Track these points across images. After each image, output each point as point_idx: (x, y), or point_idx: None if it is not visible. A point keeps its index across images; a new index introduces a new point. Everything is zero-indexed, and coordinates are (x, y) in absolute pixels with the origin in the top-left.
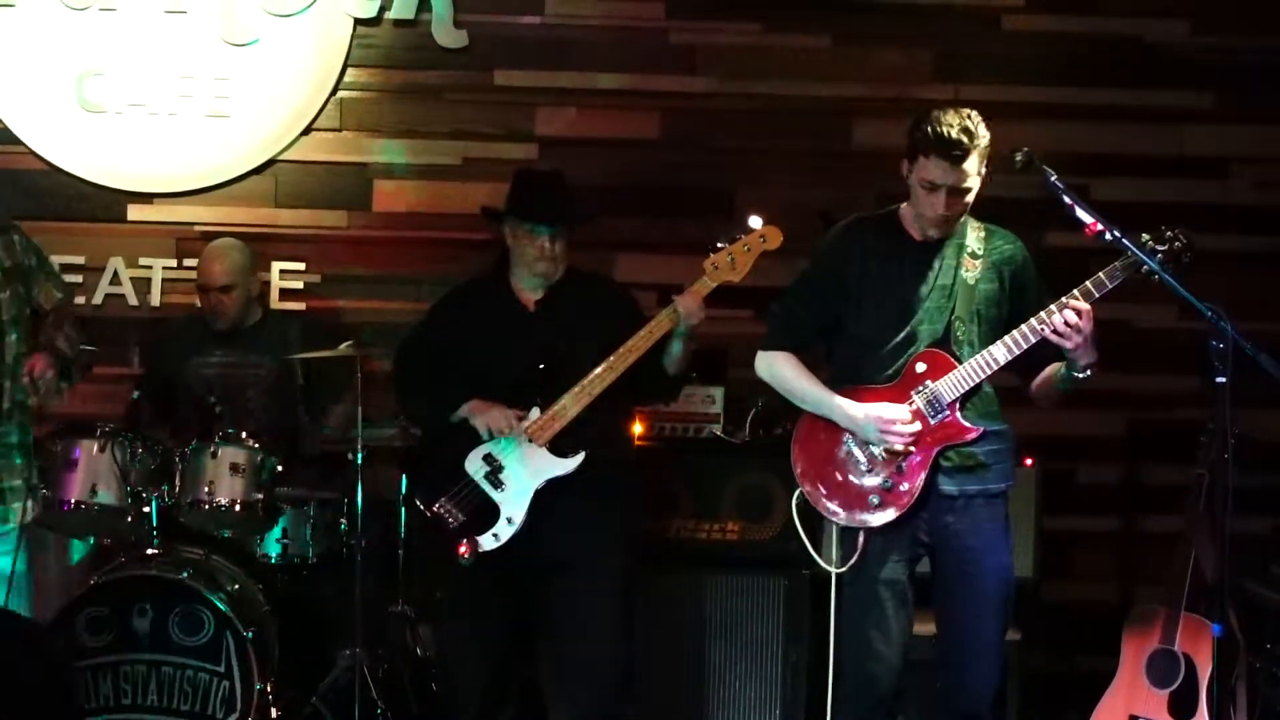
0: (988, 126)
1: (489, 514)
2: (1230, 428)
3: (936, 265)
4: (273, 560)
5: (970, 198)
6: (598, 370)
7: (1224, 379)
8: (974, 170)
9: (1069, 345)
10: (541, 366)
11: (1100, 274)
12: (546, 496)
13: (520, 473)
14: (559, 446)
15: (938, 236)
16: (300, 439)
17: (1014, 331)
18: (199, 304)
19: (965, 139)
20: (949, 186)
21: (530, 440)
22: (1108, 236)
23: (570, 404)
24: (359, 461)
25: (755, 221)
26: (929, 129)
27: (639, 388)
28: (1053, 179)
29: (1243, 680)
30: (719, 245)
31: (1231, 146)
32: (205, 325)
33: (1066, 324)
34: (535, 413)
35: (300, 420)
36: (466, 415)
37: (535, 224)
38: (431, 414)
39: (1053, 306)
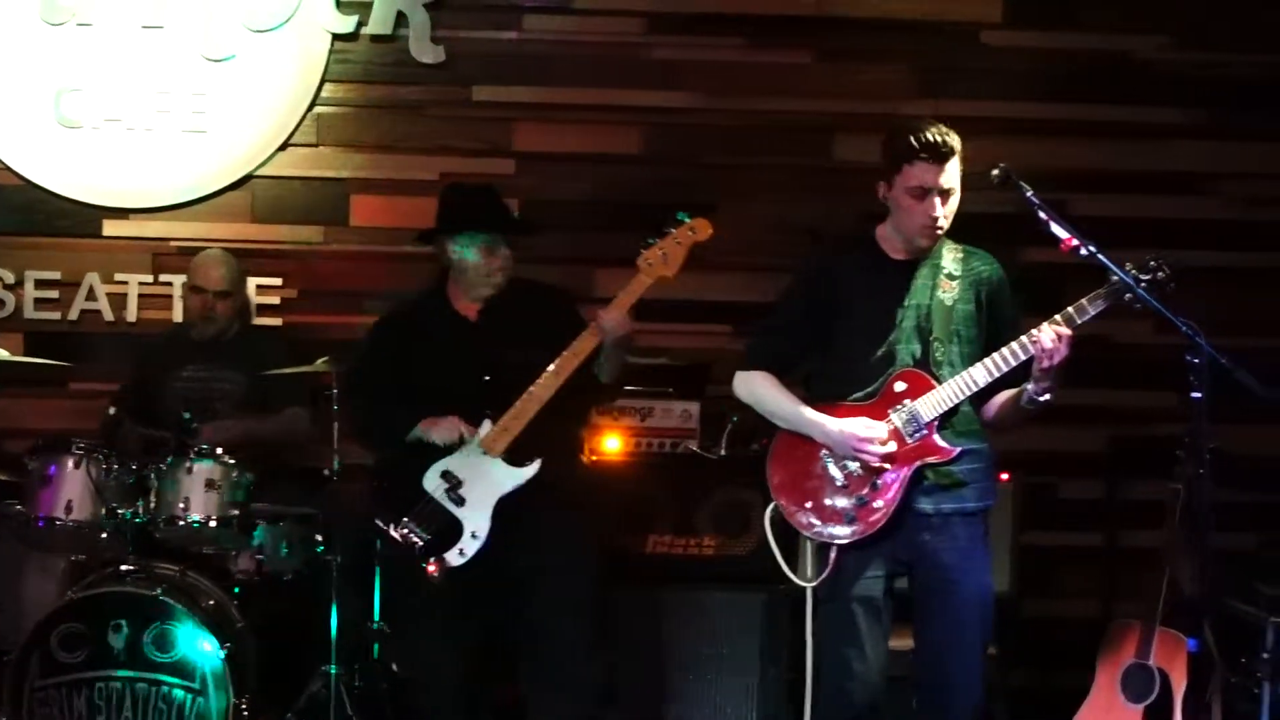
0: (967, 142)
1: (453, 530)
2: (1206, 443)
3: (913, 286)
4: (249, 576)
5: (954, 205)
6: (541, 380)
7: (1199, 394)
8: (956, 176)
9: (1043, 364)
10: (487, 378)
11: (1083, 300)
12: (509, 508)
13: (479, 486)
14: (514, 456)
15: (927, 245)
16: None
17: (994, 354)
18: (189, 310)
19: (948, 139)
20: (939, 189)
21: (485, 452)
22: (1083, 252)
23: (521, 413)
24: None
25: (683, 216)
26: (909, 138)
27: (582, 395)
28: (1030, 195)
29: (1218, 696)
30: (649, 241)
31: (1212, 162)
32: (185, 338)
33: (1044, 344)
34: (486, 425)
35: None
36: (421, 435)
37: (475, 233)
38: (387, 436)
39: (1040, 328)
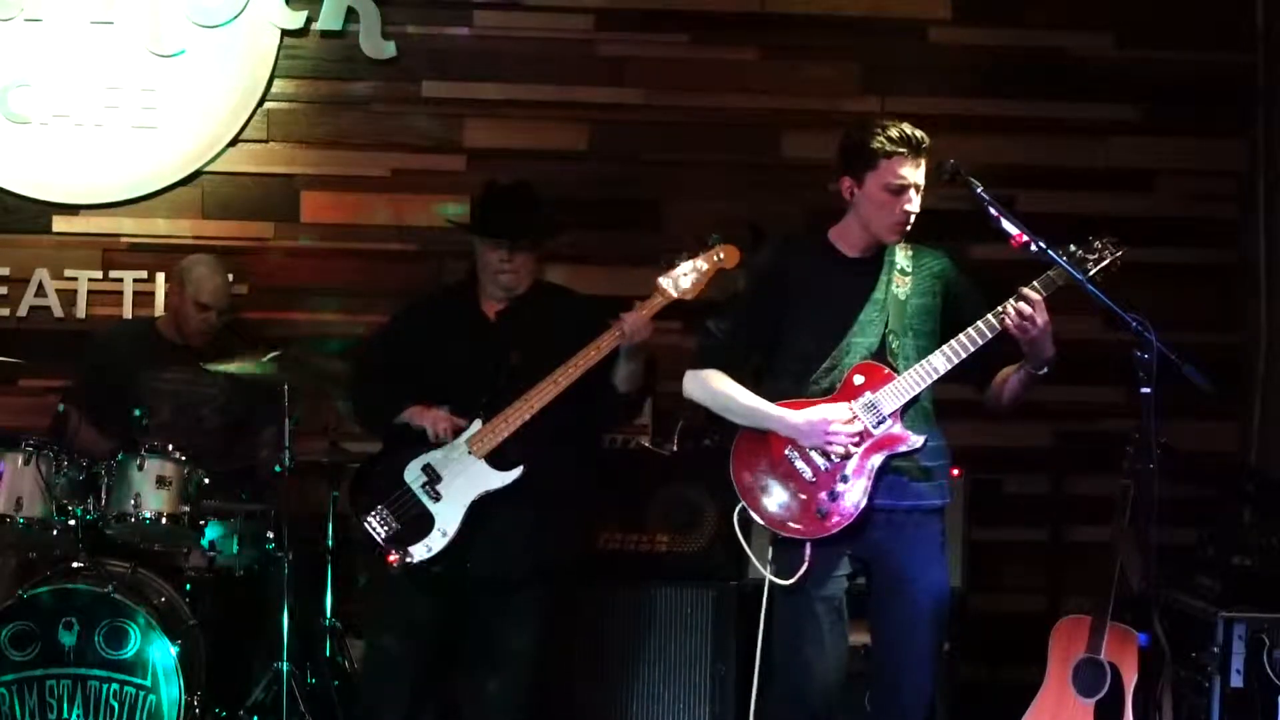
0: None
1: (424, 524)
2: (1155, 438)
3: (868, 281)
4: (200, 573)
5: (918, 208)
6: (542, 384)
7: (1148, 389)
8: (924, 175)
9: (1027, 336)
10: (496, 366)
11: (1035, 281)
12: (483, 511)
13: (457, 484)
14: (498, 460)
15: (893, 241)
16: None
17: (952, 341)
18: (186, 320)
19: (922, 135)
20: (916, 185)
21: (470, 452)
22: (1033, 248)
23: (512, 417)
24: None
25: (713, 240)
26: (885, 135)
27: (594, 407)
28: (979, 190)
29: (1168, 689)
30: (675, 261)
31: (1156, 158)
32: (159, 340)
33: (1021, 316)
34: (476, 424)
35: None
36: (408, 419)
37: (493, 239)
38: (377, 415)
39: (1005, 305)
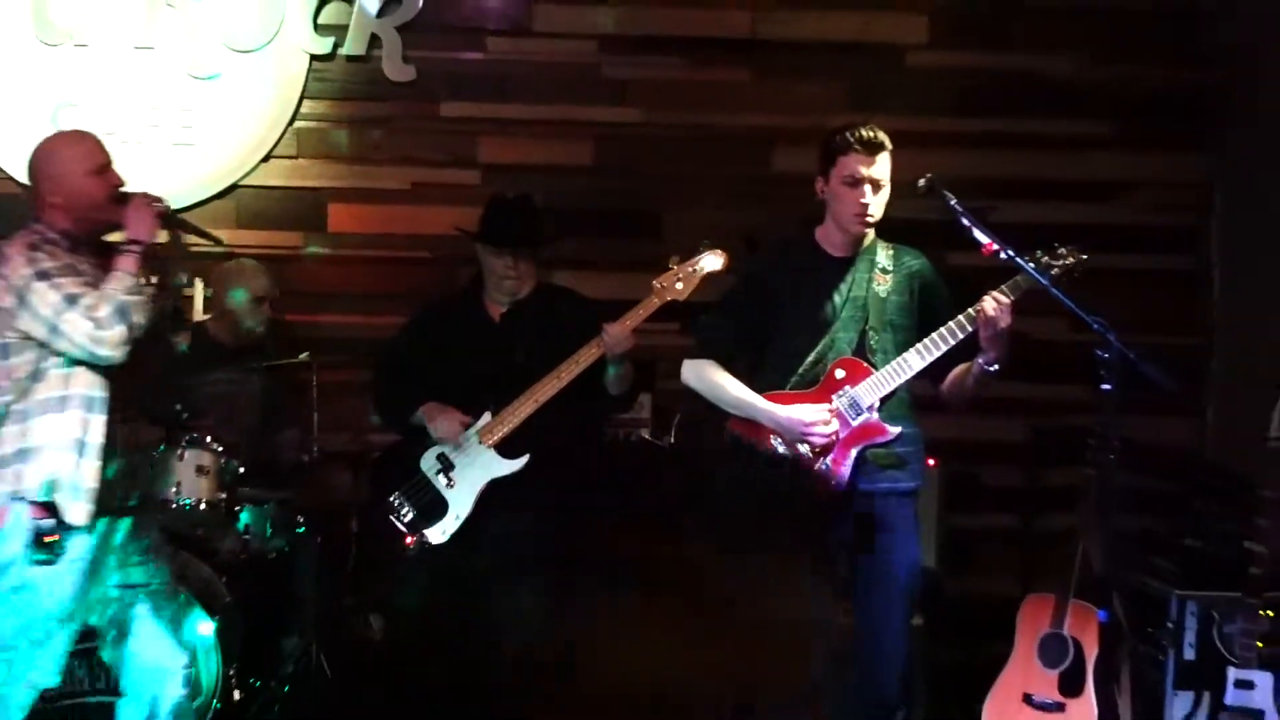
0: (894, 154)
1: (439, 509)
2: (1116, 433)
3: (850, 280)
4: (235, 556)
5: (884, 199)
6: (545, 379)
7: (1109, 386)
8: (886, 171)
9: (991, 335)
10: (502, 363)
11: (1004, 285)
12: (494, 497)
13: (469, 472)
14: (506, 449)
15: (858, 234)
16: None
17: (925, 340)
18: (244, 317)
19: (879, 135)
20: (870, 179)
21: (480, 442)
22: (1003, 255)
23: (519, 410)
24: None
25: (703, 245)
26: (845, 134)
27: (592, 402)
28: (953, 202)
29: (1126, 662)
30: (669, 266)
31: (1122, 171)
32: (208, 341)
33: (989, 316)
34: (486, 416)
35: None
36: (422, 418)
37: (497, 248)
38: (396, 413)
39: (983, 300)
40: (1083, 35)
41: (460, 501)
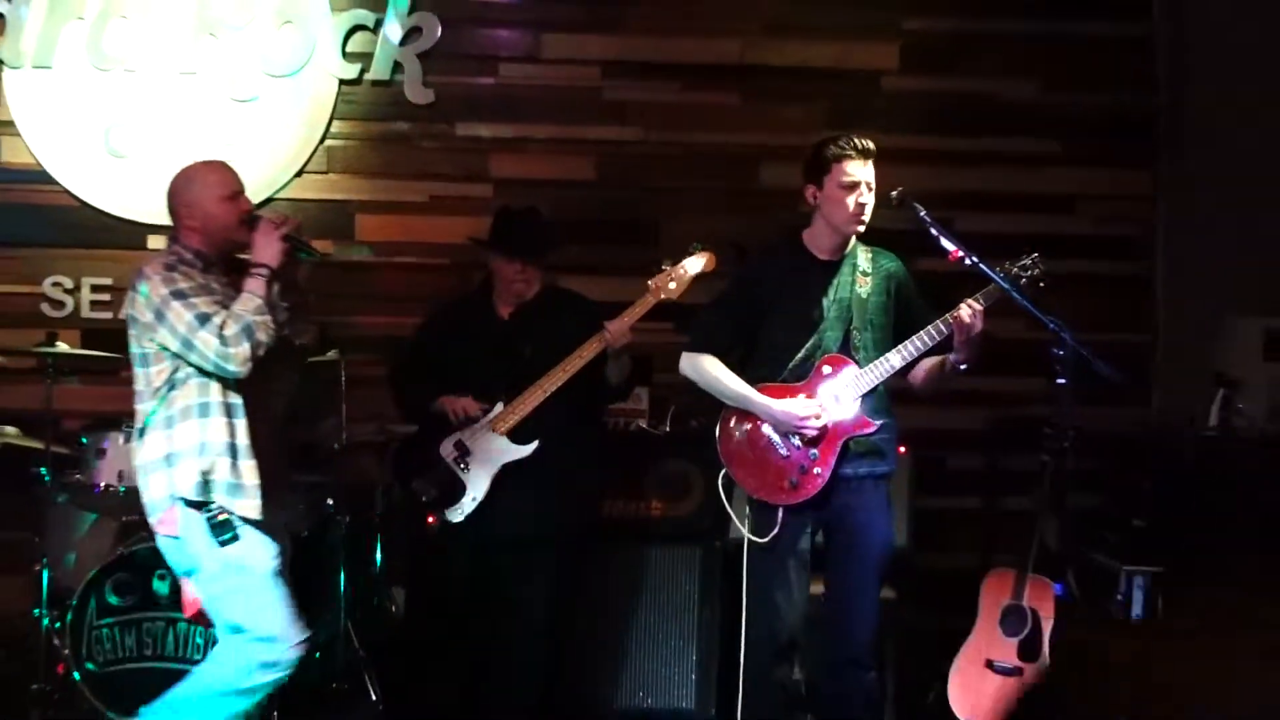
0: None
1: (457, 491)
2: (1069, 422)
3: (836, 282)
4: None
5: (872, 202)
6: (552, 372)
7: (1063, 380)
8: (873, 176)
9: (965, 338)
10: (512, 357)
11: (979, 294)
12: (508, 479)
13: (483, 457)
14: (518, 436)
15: (853, 234)
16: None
17: (906, 343)
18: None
19: (869, 142)
20: (865, 182)
21: (493, 430)
22: (967, 262)
23: (529, 400)
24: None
25: (693, 248)
26: (839, 143)
27: (593, 393)
28: (922, 213)
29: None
30: (663, 267)
31: (1075, 185)
32: None
33: (964, 321)
34: (499, 406)
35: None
36: (440, 408)
37: (507, 256)
38: (415, 406)
39: (959, 308)
40: (1039, 63)
41: (477, 484)
